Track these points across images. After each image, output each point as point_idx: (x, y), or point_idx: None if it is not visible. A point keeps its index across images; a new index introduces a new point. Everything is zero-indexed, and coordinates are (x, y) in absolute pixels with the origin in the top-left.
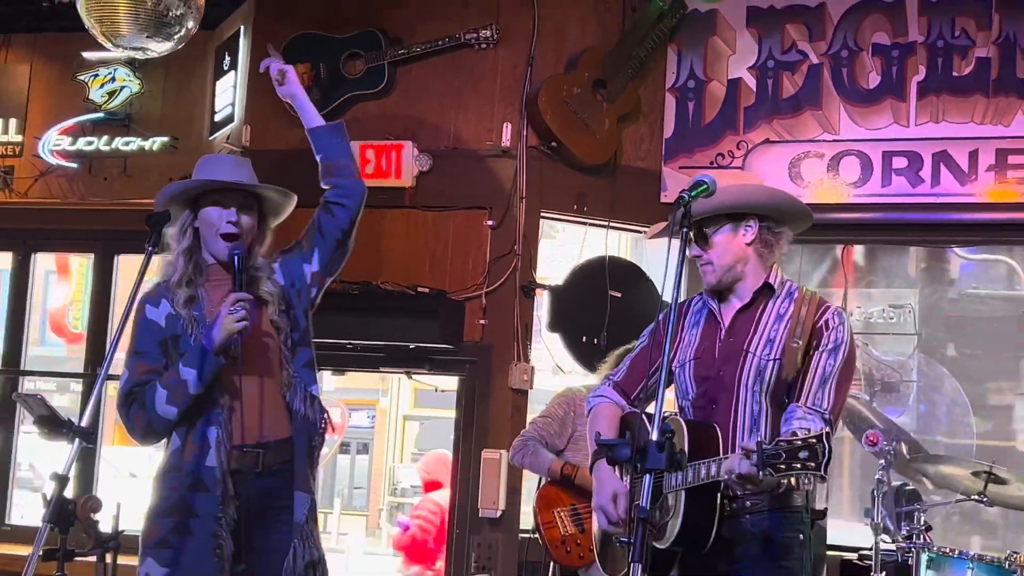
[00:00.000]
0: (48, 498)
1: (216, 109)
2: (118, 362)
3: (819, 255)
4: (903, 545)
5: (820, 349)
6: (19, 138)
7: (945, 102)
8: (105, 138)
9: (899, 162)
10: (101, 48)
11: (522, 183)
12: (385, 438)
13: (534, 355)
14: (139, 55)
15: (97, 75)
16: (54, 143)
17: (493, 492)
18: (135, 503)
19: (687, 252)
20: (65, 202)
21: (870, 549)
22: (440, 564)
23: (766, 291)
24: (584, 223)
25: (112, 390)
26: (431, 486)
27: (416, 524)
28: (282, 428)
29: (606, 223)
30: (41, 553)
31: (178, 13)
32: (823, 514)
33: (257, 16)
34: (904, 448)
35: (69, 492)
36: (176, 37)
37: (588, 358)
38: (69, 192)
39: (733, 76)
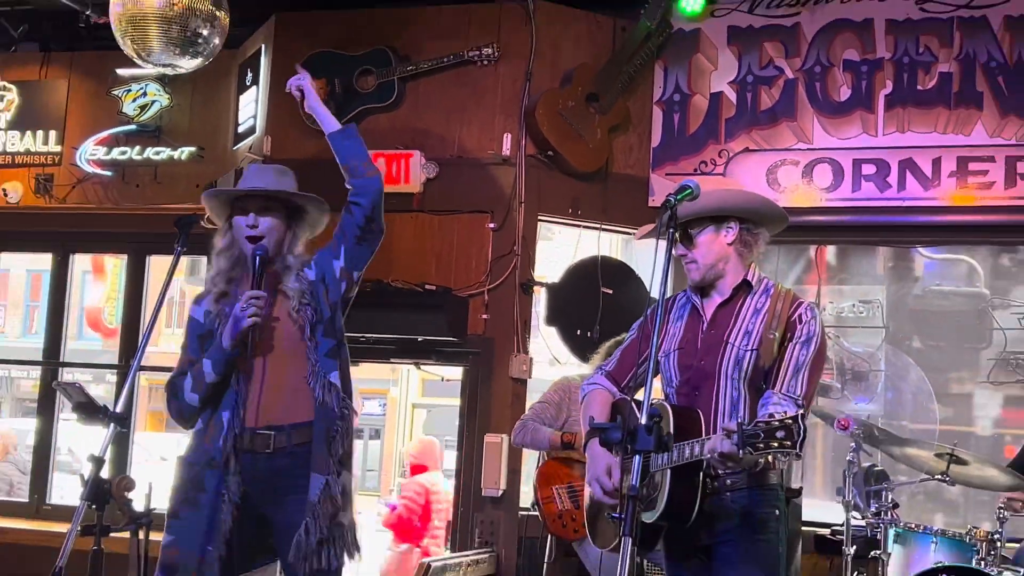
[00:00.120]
0: (86, 478)
1: (239, 121)
2: (149, 355)
3: (794, 255)
4: (872, 521)
5: (794, 341)
6: (58, 148)
7: (910, 114)
8: (137, 148)
9: (868, 169)
10: (134, 65)
11: (521, 189)
12: (395, 424)
13: (532, 347)
14: (169, 71)
15: (130, 90)
16: (90, 153)
17: (495, 473)
18: (166, 484)
19: (673, 251)
20: (100, 207)
21: (842, 525)
22: (427, 541)
23: (745, 287)
24: (578, 226)
25: (144, 381)
26: (416, 469)
27: (402, 504)
28: (304, 412)
29: (598, 226)
30: (79, 529)
31: (205, 33)
32: (798, 492)
33: (277, 36)
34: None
35: (104, 473)
36: (203, 55)
37: (582, 350)
38: (104, 198)
39: (715, 90)
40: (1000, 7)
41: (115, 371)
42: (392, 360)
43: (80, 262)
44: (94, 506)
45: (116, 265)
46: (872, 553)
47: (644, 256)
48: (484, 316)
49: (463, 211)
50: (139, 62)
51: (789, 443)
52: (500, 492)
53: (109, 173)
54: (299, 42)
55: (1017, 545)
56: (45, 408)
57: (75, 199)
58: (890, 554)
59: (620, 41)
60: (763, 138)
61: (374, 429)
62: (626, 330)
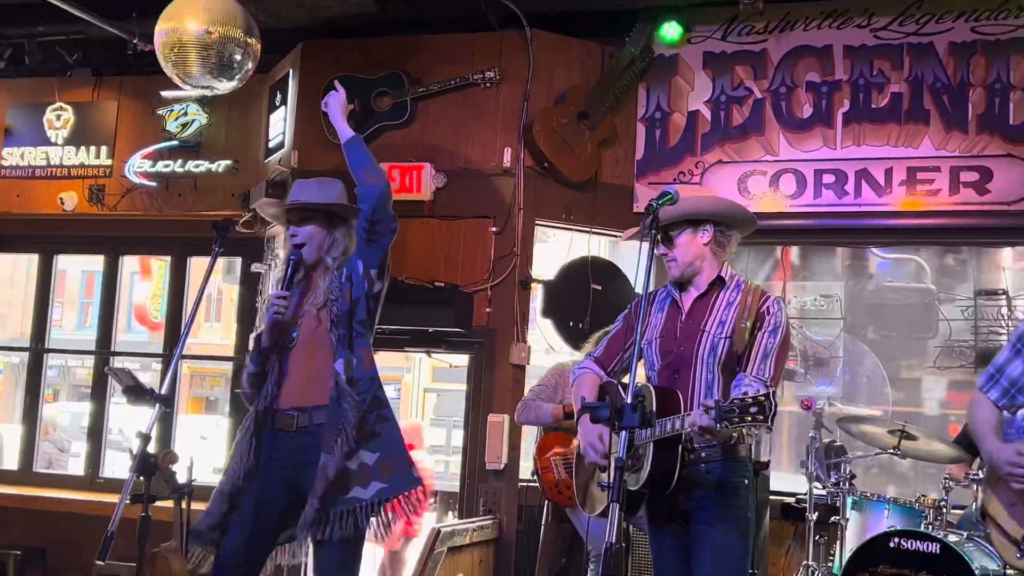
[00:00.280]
0: (134, 453)
1: (270, 137)
2: (190, 345)
3: (763, 255)
4: (832, 491)
5: (762, 330)
6: (109, 162)
7: (865, 129)
8: (179, 161)
9: (828, 178)
10: (176, 87)
11: (520, 196)
12: (409, 407)
13: (530, 337)
14: (207, 92)
15: (173, 110)
16: (137, 166)
17: (497, 449)
18: (205, 459)
19: (655, 251)
20: (146, 214)
21: (805, 494)
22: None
23: (718, 283)
24: (570, 229)
25: (185, 369)
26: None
27: None
28: (323, 396)
29: (588, 229)
30: (128, 498)
31: (238, 58)
32: (766, 465)
33: (303, 61)
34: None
35: (151, 449)
36: (237, 78)
37: (574, 339)
38: (150, 206)
39: (692, 108)
40: (945, 34)
41: (159, 360)
42: (406, 349)
43: (129, 263)
44: (142, 477)
45: (161, 266)
46: (832, 519)
47: (629, 256)
48: (487, 310)
49: (468, 217)
50: (181, 85)
51: (762, 417)
52: (502, 466)
53: (154, 184)
54: (323, 67)
55: (961, 511)
56: (98, 393)
57: (124, 207)
58: (848, 520)
59: (607, 66)
60: (735, 151)
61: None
62: (612, 322)
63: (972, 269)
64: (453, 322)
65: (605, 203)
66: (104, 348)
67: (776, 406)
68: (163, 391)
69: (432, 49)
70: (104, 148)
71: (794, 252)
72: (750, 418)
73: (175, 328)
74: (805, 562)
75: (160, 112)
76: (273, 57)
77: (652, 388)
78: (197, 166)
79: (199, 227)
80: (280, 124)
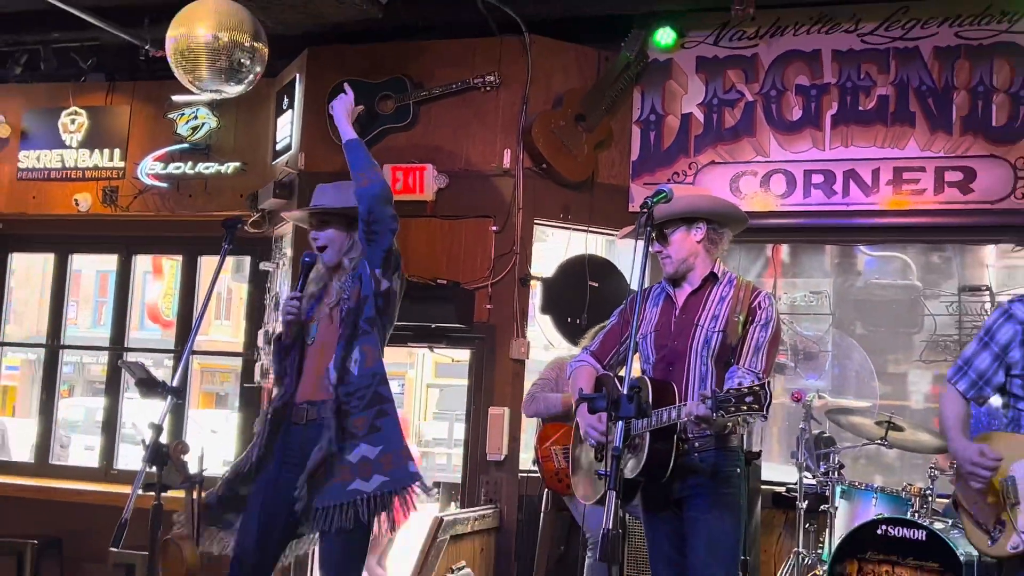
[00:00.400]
0: (147, 443)
1: (277, 140)
2: (200, 342)
3: (754, 253)
4: (821, 480)
5: (754, 324)
6: (122, 164)
7: (853, 131)
8: (190, 163)
9: (817, 178)
10: (186, 92)
11: (519, 197)
12: (413, 401)
13: (530, 333)
14: (216, 96)
15: (183, 113)
16: (149, 168)
17: (498, 440)
18: (215, 452)
19: (650, 249)
20: (158, 215)
21: (795, 484)
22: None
23: (712, 279)
24: (568, 228)
25: (196, 364)
26: None
27: None
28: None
29: (586, 228)
30: (141, 489)
31: (246, 62)
32: (758, 455)
33: (309, 66)
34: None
35: (163, 440)
36: (245, 82)
37: (572, 335)
38: (161, 207)
39: (685, 111)
40: (930, 39)
41: (171, 356)
42: (409, 344)
43: (141, 263)
44: (154, 467)
45: (172, 265)
46: (821, 507)
47: (625, 254)
48: (488, 306)
49: (469, 216)
50: (191, 89)
51: (757, 406)
52: (503, 457)
53: (165, 185)
54: (328, 72)
55: (946, 500)
56: (112, 388)
57: (136, 208)
58: (837, 508)
59: (604, 70)
60: (727, 152)
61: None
62: (609, 317)
63: (956, 266)
64: (455, 318)
65: (602, 203)
66: (118, 345)
67: (771, 396)
68: (174, 384)
69: (434, 54)
70: (117, 151)
71: (784, 250)
72: (745, 407)
73: (186, 326)
74: (795, 549)
75: (171, 116)
76: (280, 62)
77: (648, 380)
78: (207, 168)
79: (209, 227)
80: (287, 127)
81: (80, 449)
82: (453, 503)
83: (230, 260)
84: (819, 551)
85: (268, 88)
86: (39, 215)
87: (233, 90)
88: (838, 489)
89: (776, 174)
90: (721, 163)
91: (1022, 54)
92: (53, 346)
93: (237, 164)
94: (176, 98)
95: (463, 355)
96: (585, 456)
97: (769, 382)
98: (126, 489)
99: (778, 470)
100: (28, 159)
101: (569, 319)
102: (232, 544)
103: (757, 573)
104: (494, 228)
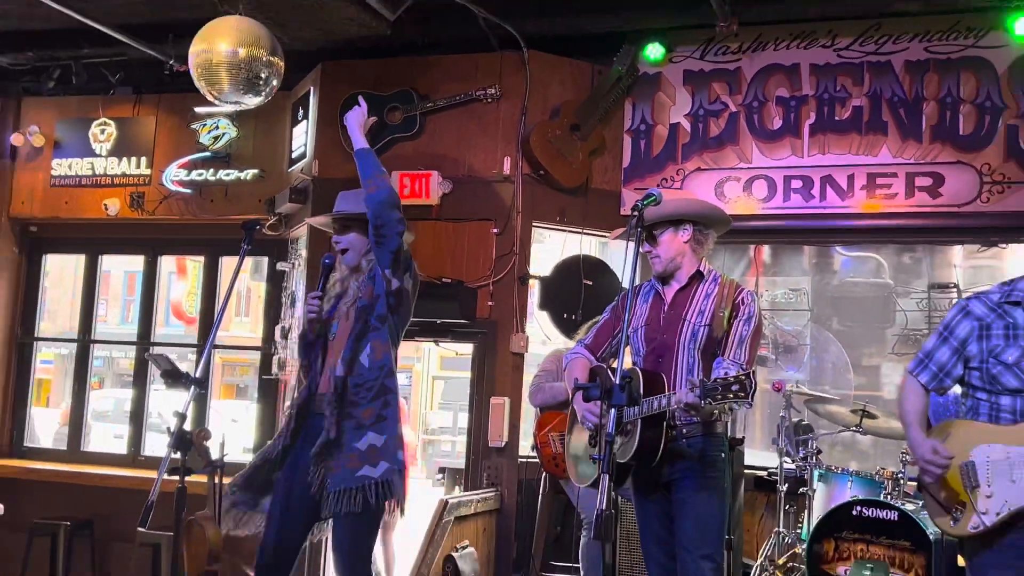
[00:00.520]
0: (171, 430)
1: (293, 148)
2: (221, 337)
3: (738, 253)
4: (800, 464)
5: (738, 319)
6: (148, 171)
7: (829, 139)
8: (211, 170)
9: (796, 183)
10: (208, 103)
11: (519, 201)
12: (420, 392)
13: (528, 328)
14: (236, 108)
15: (205, 124)
16: (174, 175)
17: (499, 428)
18: (235, 439)
19: (640, 249)
20: (182, 218)
21: (776, 468)
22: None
23: (698, 277)
24: (564, 230)
25: (218, 358)
26: None
27: None
28: None
29: (580, 230)
30: (167, 473)
31: (264, 75)
32: (741, 441)
33: (323, 80)
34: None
35: (186, 427)
36: (263, 94)
37: (568, 329)
38: (185, 211)
39: (673, 121)
40: (901, 53)
41: (194, 351)
42: (416, 339)
43: (166, 263)
44: (179, 453)
45: (195, 266)
46: (800, 490)
47: (617, 254)
48: (490, 303)
49: (472, 219)
50: (213, 101)
51: (743, 394)
52: (503, 443)
53: (189, 191)
54: (340, 85)
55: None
56: (139, 381)
57: (162, 212)
58: (815, 491)
59: (597, 83)
60: (712, 159)
61: (402, 397)
62: (601, 313)
63: (926, 265)
64: (459, 314)
65: (595, 207)
66: (144, 340)
67: (756, 385)
68: (197, 375)
69: (439, 68)
70: (144, 159)
71: (766, 250)
72: (732, 395)
73: (208, 322)
74: (776, 529)
75: (194, 126)
76: (296, 76)
77: (639, 371)
78: (227, 175)
79: (230, 230)
80: (302, 136)
81: (109, 437)
82: (457, 487)
83: (249, 261)
84: (798, 531)
85: (284, 100)
86: (71, 219)
87: (252, 102)
88: (816, 473)
89: (758, 180)
90: (707, 169)
91: (987, 67)
92: (84, 341)
93: (255, 171)
94: (199, 109)
95: (466, 349)
96: (579, 442)
97: (754, 372)
98: (152, 474)
99: (760, 455)
100: (61, 167)
101: (565, 315)
102: (260, 526)
103: (740, 551)
104: (495, 230)
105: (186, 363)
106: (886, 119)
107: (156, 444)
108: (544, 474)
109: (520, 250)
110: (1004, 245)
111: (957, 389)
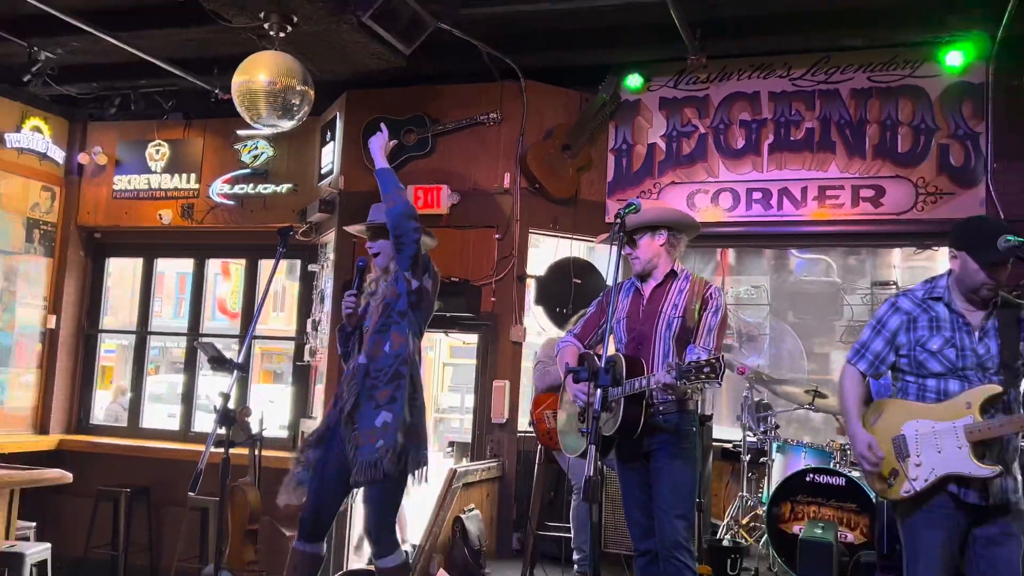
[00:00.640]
0: (217, 408)
1: (322, 165)
2: (260, 330)
3: (707, 256)
4: (761, 438)
5: (707, 311)
6: (197, 186)
7: (785, 156)
8: (251, 185)
9: (757, 195)
10: (249, 127)
11: (517, 211)
12: (432, 377)
13: (526, 320)
14: (273, 130)
15: (246, 145)
16: (219, 189)
17: (500, 407)
18: (273, 418)
19: (623, 252)
20: (226, 227)
21: (740, 441)
22: None
23: (672, 275)
24: (557, 236)
25: (257, 348)
26: None
27: None
28: None
29: (571, 236)
30: (213, 447)
31: (296, 103)
32: (710, 418)
33: (347, 106)
34: (762, 376)
35: (230, 405)
36: (296, 119)
37: (560, 321)
38: (229, 220)
39: (651, 141)
40: (847, 82)
41: (237, 341)
42: (429, 330)
43: (212, 266)
44: (223, 428)
45: (237, 268)
46: (761, 460)
47: (602, 256)
48: (492, 299)
49: (477, 226)
50: (252, 124)
51: (714, 375)
52: (504, 420)
53: (232, 203)
54: (363, 111)
55: None
56: (189, 367)
57: (209, 221)
58: (773, 460)
59: (584, 108)
60: (684, 174)
61: None
62: (589, 307)
63: (869, 266)
64: (465, 309)
65: (583, 215)
66: (194, 332)
67: (724, 367)
68: (239, 361)
69: (448, 96)
70: (193, 175)
71: (731, 253)
72: (704, 376)
73: (249, 316)
74: (740, 493)
75: (236, 146)
76: (324, 103)
77: (621, 356)
78: (265, 188)
79: (267, 236)
80: (330, 155)
81: (164, 416)
82: (464, 458)
83: (284, 263)
84: (759, 495)
85: (314, 124)
86: (130, 227)
87: (286, 125)
88: (774, 445)
89: (724, 192)
90: (680, 183)
91: (922, 95)
92: (142, 333)
93: (290, 185)
94: (240, 132)
95: (472, 339)
96: (570, 418)
97: (723, 356)
98: (200, 447)
99: (726, 430)
100: (121, 182)
101: (558, 309)
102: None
103: (709, 512)
104: (497, 236)
105: (230, 352)
106: (834, 139)
107: (204, 421)
108: (539, 446)
109: (518, 253)
110: (936, 248)
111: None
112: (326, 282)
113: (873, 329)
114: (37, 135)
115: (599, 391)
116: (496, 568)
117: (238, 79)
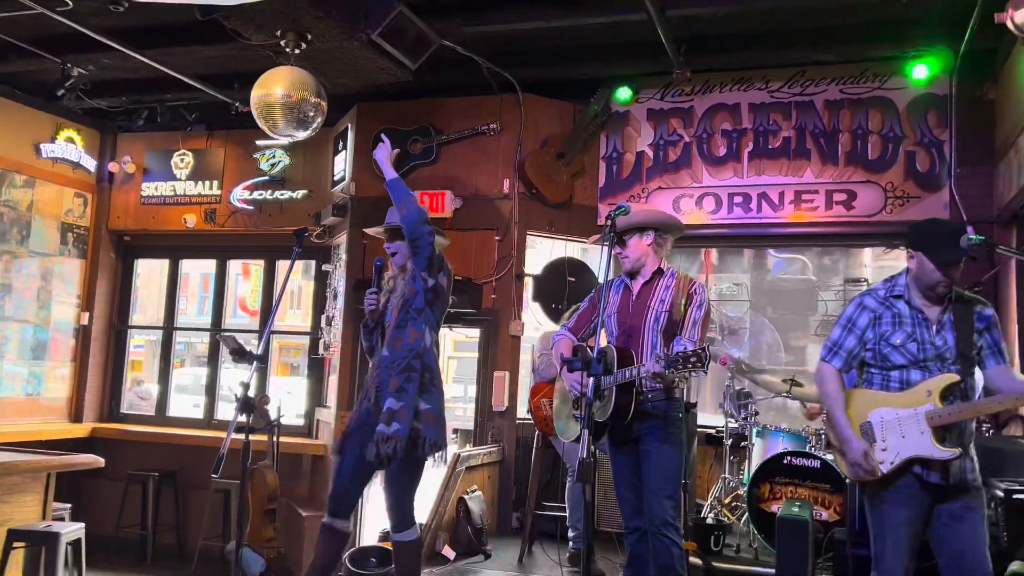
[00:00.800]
0: (238, 396)
1: (335, 173)
2: (277, 325)
3: (692, 256)
4: (742, 424)
5: (691, 306)
6: (219, 192)
7: (764, 163)
8: (269, 191)
9: (738, 199)
10: (267, 137)
11: (515, 214)
12: None
13: (524, 316)
14: (289, 140)
15: (264, 154)
16: (239, 195)
17: (500, 395)
18: (290, 407)
19: (613, 251)
20: (246, 230)
21: (723, 427)
22: None
23: (659, 273)
24: (552, 238)
25: (275, 343)
26: None
27: None
28: None
29: (565, 237)
30: (234, 433)
31: (311, 114)
32: (695, 405)
33: (358, 117)
34: (742, 366)
35: (250, 394)
36: (311, 129)
37: (555, 317)
38: (249, 223)
39: (639, 150)
40: (821, 94)
41: (256, 336)
42: None
43: (234, 266)
44: (244, 415)
45: (257, 269)
46: (742, 444)
47: (594, 256)
48: (493, 296)
49: (478, 229)
50: (270, 135)
51: (700, 365)
52: (504, 407)
53: (251, 207)
54: (373, 122)
55: None
56: (212, 361)
57: (230, 225)
58: (753, 445)
59: (578, 119)
60: (670, 180)
61: None
62: (581, 302)
63: (842, 265)
64: (468, 305)
65: (577, 218)
66: (216, 328)
67: (710, 358)
68: (259, 353)
69: (451, 108)
70: (215, 182)
71: (714, 253)
72: (690, 365)
73: (267, 313)
74: (723, 475)
75: (255, 155)
76: (336, 114)
77: (612, 348)
78: (282, 194)
79: (284, 239)
80: (342, 163)
81: (189, 406)
82: (467, 443)
83: (299, 263)
84: (740, 477)
85: (328, 134)
86: (157, 230)
87: (301, 135)
88: (754, 430)
89: (707, 196)
90: (666, 188)
91: (890, 105)
92: (168, 329)
93: (305, 191)
94: (259, 142)
95: (474, 333)
96: (564, 406)
97: (707, 347)
98: (223, 434)
99: (709, 417)
100: (149, 188)
101: (553, 305)
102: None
103: (694, 493)
104: (497, 238)
105: (250, 346)
106: (810, 147)
107: (226, 410)
108: (537, 432)
109: (517, 253)
110: (904, 248)
111: None
112: (339, 281)
113: (844, 327)
114: (70, 145)
115: (592, 380)
116: (497, 544)
117: (256, 93)
